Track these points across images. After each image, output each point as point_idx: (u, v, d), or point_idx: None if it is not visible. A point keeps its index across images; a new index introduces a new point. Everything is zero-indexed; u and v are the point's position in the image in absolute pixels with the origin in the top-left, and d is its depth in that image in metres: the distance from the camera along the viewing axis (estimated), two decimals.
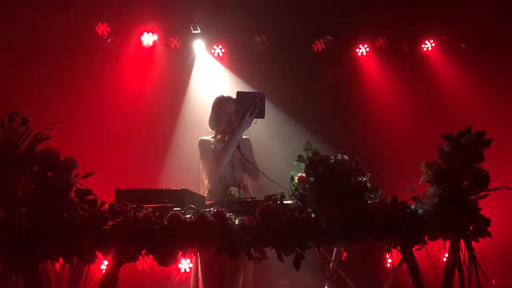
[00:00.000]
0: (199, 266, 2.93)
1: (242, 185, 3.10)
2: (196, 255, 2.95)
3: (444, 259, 2.45)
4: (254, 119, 3.01)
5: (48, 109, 3.96)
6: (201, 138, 3.18)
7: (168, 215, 1.98)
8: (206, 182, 3.16)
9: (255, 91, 3.05)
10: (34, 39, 4.53)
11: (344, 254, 3.90)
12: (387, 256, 4.56)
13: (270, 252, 2.17)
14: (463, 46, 5.31)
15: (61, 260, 1.99)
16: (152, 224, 1.94)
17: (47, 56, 4.54)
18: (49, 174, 1.96)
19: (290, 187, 2.33)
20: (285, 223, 2.09)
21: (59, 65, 4.56)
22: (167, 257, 1.93)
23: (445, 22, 5.17)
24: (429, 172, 2.40)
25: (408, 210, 2.32)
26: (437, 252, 2.54)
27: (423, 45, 5.38)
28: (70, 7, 4.64)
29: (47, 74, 4.51)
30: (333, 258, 3.14)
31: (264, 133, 3.13)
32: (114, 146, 4.59)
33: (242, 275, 2.94)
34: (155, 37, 4.99)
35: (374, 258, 4.34)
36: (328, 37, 5.22)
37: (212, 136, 3.21)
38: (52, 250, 1.92)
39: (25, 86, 4.34)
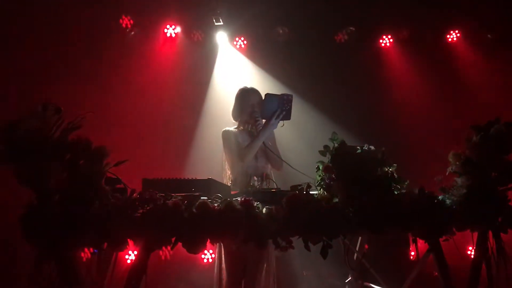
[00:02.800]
0: (223, 256, 2.96)
1: (264, 175, 3.11)
2: (219, 245, 2.98)
3: (469, 252, 2.43)
4: (282, 122, 3.04)
5: (74, 100, 4.02)
6: (224, 129, 3.20)
7: (197, 203, 2.01)
8: (229, 172, 3.18)
9: (283, 93, 3.05)
10: (59, 32, 4.59)
11: (366, 246, 3.89)
12: (410, 248, 4.53)
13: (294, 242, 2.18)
14: (489, 36, 5.19)
15: (88, 250, 2.04)
16: (182, 212, 1.96)
17: (73, 49, 4.60)
18: (81, 162, 2.00)
19: (316, 177, 2.34)
20: (312, 213, 2.10)
21: (84, 57, 4.61)
22: (196, 245, 1.96)
23: (471, 11, 5.06)
24: (457, 163, 2.38)
25: (435, 201, 2.30)
26: (462, 245, 2.51)
27: (448, 36, 5.28)
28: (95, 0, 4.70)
29: (73, 66, 4.57)
30: (357, 249, 3.14)
31: (286, 124, 3.13)
32: (137, 137, 4.64)
33: (265, 265, 2.95)
34: (178, 29, 5.01)
35: (398, 250, 4.30)
36: (351, 28, 5.17)
37: (235, 127, 3.23)
38: (84, 237, 1.96)
39: (51, 77, 4.42)
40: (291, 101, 3.01)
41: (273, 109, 3.00)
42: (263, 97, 3.07)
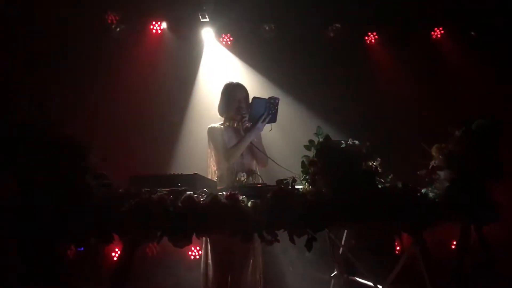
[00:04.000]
0: (209, 252, 2.97)
1: (250, 171, 3.12)
2: (206, 241, 2.98)
3: (453, 247, 2.47)
4: (270, 126, 3.07)
5: (59, 96, 3.99)
6: (210, 126, 3.19)
7: (182, 197, 2.01)
8: (214, 168, 3.18)
9: (270, 96, 3.07)
10: (43, 28, 4.56)
11: (353, 242, 3.93)
12: (396, 242, 4.58)
13: (282, 240, 2.19)
14: (472, 33, 5.26)
15: (74, 247, 2.03)
16: (167, 206, 1.97)
17: (57, 45, 4.58)
18: (66, 157, 1.99)
19: (301, 171, 2.36)
20: (297, 206, 2.12)
21: (69, 53, 4.60)
22: (182, 239, 1.96)
23: (454, 9, 5.12)
24: (440, 157, 2.41)
25: (418, 194, 2.34)
26: (446, 240, 2.55)
27: (432, 33, 5.33)
28: None
29: (57, 62, 4.55)
30: (342, 243, 3.17)
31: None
32: (123, 134, 4.63)
33: (252, 260, 2.96)
34: (164, 25, 5.00)
35: (384, 244, 4.35)
36: (337, 25, 5.20)
37: (221, 123, 3.23)
38: (70, 231, 1.95)
39: (36, 74, 4.38)
40: (277, 104, 3.05)
41: (260, 113, 3.02)
42: (250, 101, 3.08)
